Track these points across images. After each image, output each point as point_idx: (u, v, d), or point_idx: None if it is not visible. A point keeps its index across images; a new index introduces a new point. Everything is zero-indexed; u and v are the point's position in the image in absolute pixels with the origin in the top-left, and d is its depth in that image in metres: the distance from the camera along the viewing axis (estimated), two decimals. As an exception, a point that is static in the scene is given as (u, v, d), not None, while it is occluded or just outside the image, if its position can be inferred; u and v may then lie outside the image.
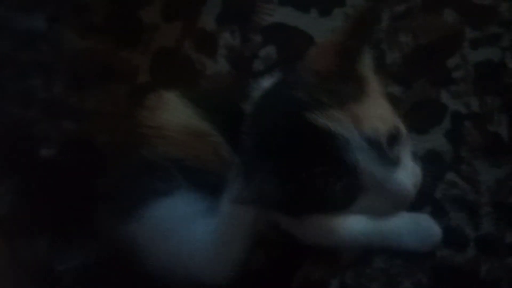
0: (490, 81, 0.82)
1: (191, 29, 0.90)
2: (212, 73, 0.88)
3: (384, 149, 0.51)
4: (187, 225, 0.61)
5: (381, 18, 0.87)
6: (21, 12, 0.92)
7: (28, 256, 0.79)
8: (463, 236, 0.77)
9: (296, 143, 0.51)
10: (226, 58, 0.88)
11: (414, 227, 0.74)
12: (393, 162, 0.51)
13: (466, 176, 0.79)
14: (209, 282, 0.68)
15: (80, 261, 0.79)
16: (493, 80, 0.83)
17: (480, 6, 0.86)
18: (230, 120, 0.58)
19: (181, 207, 0.60)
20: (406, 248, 0.74)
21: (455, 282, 0.76)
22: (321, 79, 0.53)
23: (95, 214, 0.68)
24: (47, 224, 0.81)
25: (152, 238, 0.62)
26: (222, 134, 0.60)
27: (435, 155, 0.80)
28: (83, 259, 0.79)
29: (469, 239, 0.77)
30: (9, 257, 0.80)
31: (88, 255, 0.79)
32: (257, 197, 0.51)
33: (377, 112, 0.52)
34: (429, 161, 0.79)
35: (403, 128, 0.54)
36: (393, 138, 0.52)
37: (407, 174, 0.52)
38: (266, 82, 0.59)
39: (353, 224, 0.74)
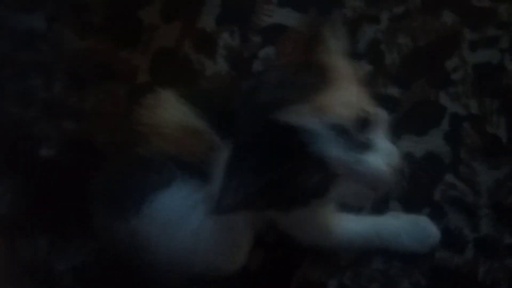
0: (489, 83, 0.83)
1: (190, 29, 0.90)
2: (211, 74, 0.88)
3: (352, 134, 0.51)
4: (187, 215, 0.61)
5: (380, 19, 0.88)
6: (21, 12, 0.92)
7: (28, 256, 0.80)
8: (461, 238, 0.77)
9: (266, 144, 0.52)
10: (225, 58, 0.89)
11: (412, 228, 0.75)
12: (364, 146, 0.52)
13: (465, 177, 0.79)
14: (213, 273, 0.68)
15: (80, 260, 0.79)
16: (491, 82, 0.83)
17: (479, 8, 0.86)
18: (225, 120, 0.58)
19: (179, 198, 0.61)
20: (405, 249, 0.75)
21: (453, 284, 0.76)
22: (289, 72, 0.54)
23: (95, 213, 0.68)
24: (47, 224, 0.81)
25: (153, 232, 0.62)
26: (218, 133, 0.60)
27: (434, 157, 0.80)
28: (83, 259, 0.79)
29: (467, 241, 0.77)
30: (9, 257, 0.80)
31: (88, 254, 0.79)
32: (236, 205, 0.51)
33: (342, 99, 0.52)
34: (428, 163, 0.80)
35: (374, 110, 0.54)
36: (363, 122, 0.52)
37: (380, 155, 0.52)
38: (245, 84, 0.60)
39: (351, 225, 0.74)
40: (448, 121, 0.82)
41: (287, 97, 0.52)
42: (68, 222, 0.80)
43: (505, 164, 0.79)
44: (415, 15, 0.87)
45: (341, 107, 0.51)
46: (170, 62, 0.89)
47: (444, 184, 0.79)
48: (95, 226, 0.68)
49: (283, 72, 0.55)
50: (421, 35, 0.86)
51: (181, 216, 0.61)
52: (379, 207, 0.76)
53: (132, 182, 0.62)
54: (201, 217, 0.61)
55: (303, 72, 0.54)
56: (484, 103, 0.82)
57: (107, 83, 0.88)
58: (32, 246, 0.80)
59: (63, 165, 0.83)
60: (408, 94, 0.83)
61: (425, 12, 0.87)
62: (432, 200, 0.78)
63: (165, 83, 0.66)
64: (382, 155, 0.52)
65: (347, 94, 0.53)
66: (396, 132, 0.58)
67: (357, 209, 0.74)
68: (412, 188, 0.77)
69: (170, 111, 0.63)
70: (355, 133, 0.51)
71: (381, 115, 0.55)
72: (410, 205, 0.78)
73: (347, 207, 0.73)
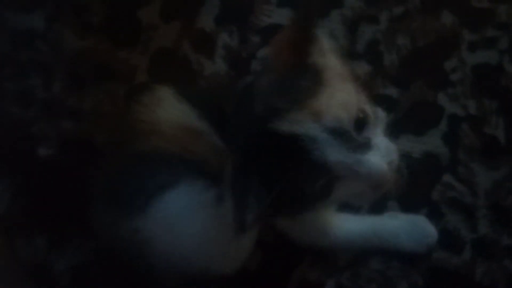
0: (487, 84, 0.83)
1: (189, 29, 0.90)
2: (210, 73, 0.88)
3: (352, 135, 0.51)
4: (194, 215, 0.61)
5: (379, 20, 0.87)
6: (21, 12, 0.92)
7: (27, 256, 0.80)
8: (459, 238, 0.77)
9: (268, 155, 0.51)
10: (224, 58, 0.89)
11: (410, 229, 0.75)
12: (364, 146, 0.51)
13: (463, 178, 0.79)
14: (213, 273, 0.68)
15: (79, 260, 0.79)
16: (490, 83, 0.83)
17: (478, 9, 0.86)
18: (223, 119, 0.58)
19: (185, 199, 0.60)
20: (403, 249, 0.75)
21: (451, 284, 0.76)
22: (282, 76, 0.53)
23: (95, 213, 0.68)
24: (46, 223, 0.81)
25: (156, 232, 0.62)
26: (216, 132, 0.60)
27: (432, 157, 0.80)
28: (82, 258, 0.79)
29: (465, 241, 0.77)
30: (8, 256, 0.80)
31: (87, 254, 0.79)
32: (256, 219, 0.51)
33: (337, 101, 0.51)
34: (426, 163, 0.80)
35: (371, 109, 0.54)
36: (361, 122, 0.52)
37: (380, 155, 0.52)
38: (241, 83, 0.60)
39: (350, 225, 0.74)
40: (447, 121, 0.82)
41: (283, 105, 0.51)
42: (67, 222, 0.80)
43: (504, 165, 0.79)
44: (414, 15, 0.87)
45: (338, 108, 0.51)
46: (169, 62, 0.89)
47: (442, 184, 0.79)
48: (95, 225, 0.68)
49: (277, 76, 0.54)
50: (420, 35, 0.86)
51: (186, 216, 0.61)
52: (377, 207, 0.77)
53: (137, 181, 0.62)
54: (205, 218, 0.61)
55: (296, 74, 0.53)
56: (483, 104, 0.82)
57: (107, 83, 0.88)
58: (31, 246, 0.80)
59: (62, 164, 0.84)
60: (407, 95, 0.83)
61: (425, 13, 0.87)
62: (430, 201, 0.78)
63: (164, 83, 0.66)
64: (382, 154, 0.52)
65: (343, 95, 0.53)
66: (395, 132, 0.58)
67: (355, 209, 0.74)
68: (410, 188, 0.77)
69: (169, 109, 0.63)
70: (354, 134, 0.51)
71: (380, 115, 0.55)
72: (408, 205, 0.78)
73: (345, 207, 0.73)
